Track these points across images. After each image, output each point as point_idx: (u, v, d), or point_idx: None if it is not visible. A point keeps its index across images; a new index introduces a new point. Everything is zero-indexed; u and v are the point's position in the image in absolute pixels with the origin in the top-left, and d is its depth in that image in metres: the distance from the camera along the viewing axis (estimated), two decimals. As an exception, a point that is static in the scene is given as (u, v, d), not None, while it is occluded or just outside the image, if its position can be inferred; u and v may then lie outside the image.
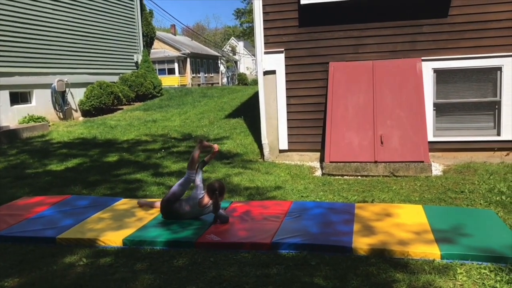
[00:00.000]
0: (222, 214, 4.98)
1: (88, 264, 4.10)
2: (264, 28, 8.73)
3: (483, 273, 3.67)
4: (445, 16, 8.05)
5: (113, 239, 4.56)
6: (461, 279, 3.59)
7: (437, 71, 8.25)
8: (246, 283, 3.61)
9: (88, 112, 14.32)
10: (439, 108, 8.34)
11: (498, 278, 3.56)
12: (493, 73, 8.08)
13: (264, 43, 8.77)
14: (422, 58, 8.19)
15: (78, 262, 4.16)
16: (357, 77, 8.33)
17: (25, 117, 12.44)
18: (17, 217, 5.33)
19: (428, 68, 8.20)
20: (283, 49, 8.73)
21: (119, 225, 4.96)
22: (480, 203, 5.64)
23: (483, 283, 3.51)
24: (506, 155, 8.07)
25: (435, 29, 8.13)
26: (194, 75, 44.71)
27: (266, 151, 8.91)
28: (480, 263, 3.84)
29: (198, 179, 5.12)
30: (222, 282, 3.63)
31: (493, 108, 8.17)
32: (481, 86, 8.19)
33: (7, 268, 4.08)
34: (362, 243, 4.21)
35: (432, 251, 4.00)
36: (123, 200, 5.95)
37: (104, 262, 4.13)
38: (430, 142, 7.97)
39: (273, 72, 8.81)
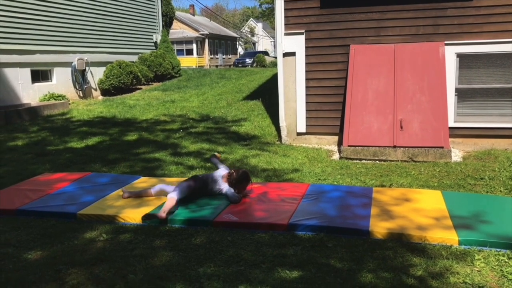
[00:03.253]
0: (232, 195, 5.01)
1: (108, 240, 4.19)
2: (285, 9, 8.64)
3: (501, 260, 3.64)
4: (471, -1, 7.86)
5: (133, 216, 4.63)
6: (478, 265, 3.57)
7: (460, 56, 8.09)
8: (263, 262, 3.65)
9: (108, 91, 14.43)
10: (461, 94, 8.21)
11: (517, 266, 3.54)
12: (518, 58, 7.90)
13: (285, 24, 8.69)
14: (445, 42, 8.04)
15: (98, 237, 4.25)
16: (378, 60, 8.23)
17: (46, 95, 12.60)
18: (39, 192, 5.45)
19: (451, 53, 8.05)
20: (303, 31, 8.65)
21: (139, 202, 5.03)
22: (500, 190, 5.57)
23: (501, 270, 3.49)
24: (528, 143, 7.93)
25: (459, 13, 7.95)
26: (212, 56, 44.65)
27: (283, 133, 8.91)
28: (498, 250, 3.81)
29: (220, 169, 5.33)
30: (240, 261, 3.68)
31: (517, 95, 8.01)
32: (505, 72, 8.01)
33: (30, 241, 4.19)
34: (379, 227, 4.21)
35: (450, 237, 3.98)
36: (142, 178, 6.02)
37: (124, 238, 4.21)
38: (450, 128, 7.87)
39: (293, 54, 8.74)
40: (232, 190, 5.06)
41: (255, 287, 3.28)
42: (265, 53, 42.89)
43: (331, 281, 3.35)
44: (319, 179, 6.28)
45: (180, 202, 4.93)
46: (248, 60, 37.64)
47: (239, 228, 4.37)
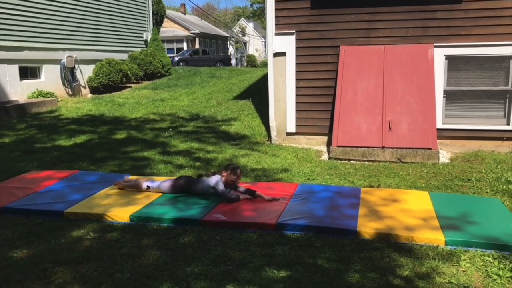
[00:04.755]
0: (228, 196, 5.01)
1: (95, 238, 4.16)
2: (276, 9, 8.65)
3: (487, 260, 3.69)
4: (459, 2, 7.93)
5: (120, 215, 4.61)
6: (464, 265, 3.61)
7: (449, 58, 8.16)
8: (251, 262, 3.65)
9: (97, 89, 14.33)
10: (449, 96, 8.28)
11: (502, 266, 3.58)
12: (506, 61, 7.99)
13: (275, 24, 8.70)
14: (434, 44, 8.10)
15: (85, 236, 4.22)
16: (367, 62, 8.27)
17: (34, 92, 12.48)
18: (26, 190, 5.39)
19: (440, 55, 8.12)
20: (294, 31, 8.66)
21: (127, 201, 5.01)
22: (487, 192, 5.63)
23: (486, 270, 3.53)
24: (514, 145, 8.03)
25: (448, 15, 8.02)
26: (203, 55, 44.43)
27: (273, 133, 8.91)
28: (484, 250, 3.85)
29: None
30: (228, 260, 3.67)
31: (504, 97, 8.10)
32: (493, 75, 8.10)
33: (16, 240, 4.15)
34: (367, 227, 4.24)
35: (437, 237, 4.01)
36: (131, 177, 5.98)
37: (111, 237, 4.18)
38: (438, 129, 7.94)
39: (283, 54, 8.75)
40: (226, 192, 5.04)
41: (242, 286, 3.28)
42: (204, 51, 36.06)
43: (318, 280, 3.36)
44: (308, 179, 6.30)
45: (168, 201, 4.91)
46: (177, 58, 32.33)
47: (227, 228, 4.36)
